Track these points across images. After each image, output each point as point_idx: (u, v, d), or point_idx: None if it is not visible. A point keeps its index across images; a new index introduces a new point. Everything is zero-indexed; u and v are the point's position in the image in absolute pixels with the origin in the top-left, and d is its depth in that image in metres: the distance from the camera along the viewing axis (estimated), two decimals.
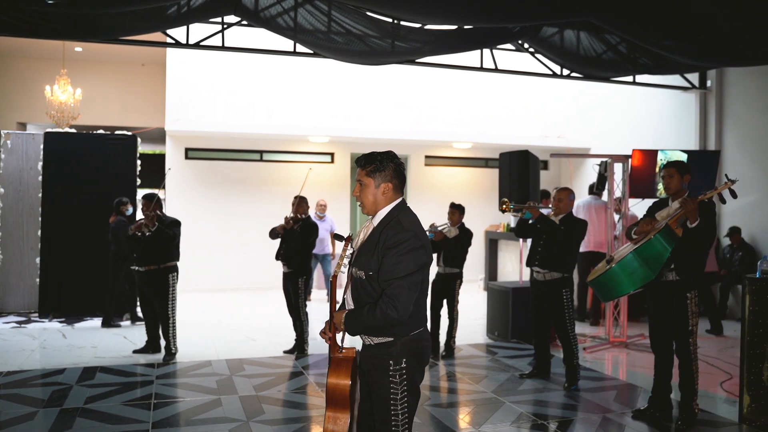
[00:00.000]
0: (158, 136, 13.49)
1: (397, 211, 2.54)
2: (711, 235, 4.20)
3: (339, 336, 2.59)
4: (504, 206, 5.51)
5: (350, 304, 2.57)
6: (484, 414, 4.55)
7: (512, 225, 10.92)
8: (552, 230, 5.21)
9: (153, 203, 6.06)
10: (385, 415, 2.48)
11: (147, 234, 6.02)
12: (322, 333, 2.59)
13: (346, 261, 2.58)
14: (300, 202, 6.38)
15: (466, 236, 6.37)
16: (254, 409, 4.61)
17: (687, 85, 9.42)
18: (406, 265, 2.39)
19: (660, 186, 7.06)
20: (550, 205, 5.54)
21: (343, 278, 2.64)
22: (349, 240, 2.53)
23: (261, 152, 11.38)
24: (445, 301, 6.38)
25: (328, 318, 2.62)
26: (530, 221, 5.36)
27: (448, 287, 6.33)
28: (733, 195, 4.11)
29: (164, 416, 4.44)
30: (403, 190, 2.61)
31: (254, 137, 11.04)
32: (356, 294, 2.51)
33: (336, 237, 2.60)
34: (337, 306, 2.66)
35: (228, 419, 4.37)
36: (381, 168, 2.54)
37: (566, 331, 5.28)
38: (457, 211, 6.40)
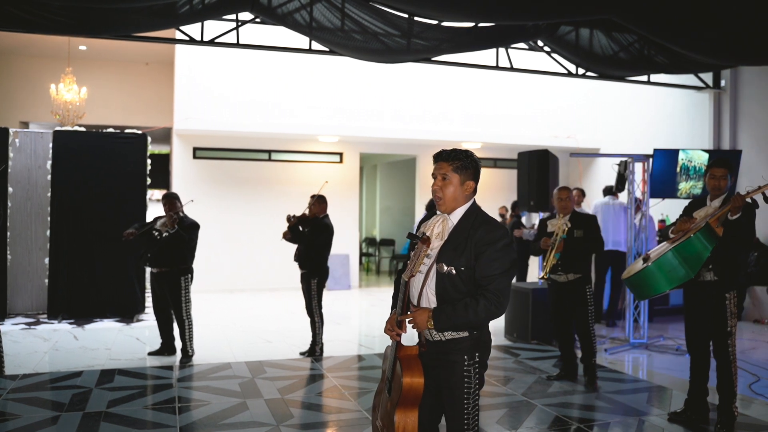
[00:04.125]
0: (160, 136, 13.37)
1: (476, 210, 2.54)
2: (750, 234, 4.13)
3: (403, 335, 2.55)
4: (544, 276, 5.34)
5: (431, 301, 2.49)
6: (519, 417, 4.45)
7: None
8: (575, 243, 5.17)
9: (178, 203, 5.96)
10: (459, 410, 2.48)
11: (165, 235, 5.89)
12: (389, 331, 2.52)
13: (427, 261, 2.47)
14: (314, 203, 6.26)
15: None
16: (282, 412, 4.50)
17: (701, 84, 9.36)
18: (502, 262, 2.41)
19: (681, 186, 7.00)
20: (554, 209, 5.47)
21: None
22: (428, 240, 2.43)
23: (269, 152, 11.26)
24: None
25: (393, 314, 2.57)
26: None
27: None
28: None
29: (191, 420, 4.33)
30: (476, 193, 2.60)
31: (263, 136, 10.93)
32: (442, 290, 2.45)
33: (411, 236, 2.51)
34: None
35: (257, 423, 4.26)
36: (467, 166, 2.52)
37: (587, 328, 5.28)
38: None
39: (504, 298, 2.40)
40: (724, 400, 4.25)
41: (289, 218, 6.11)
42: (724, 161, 4.32)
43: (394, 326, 2.51)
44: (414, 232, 2.64)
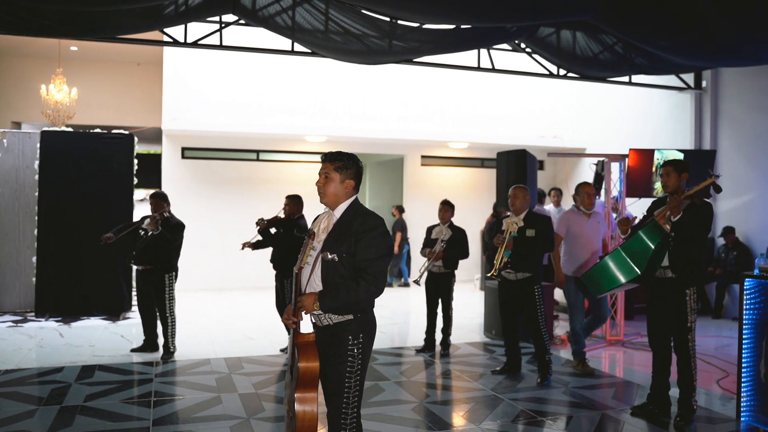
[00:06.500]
0: (152, 136, 13.47)
1: (357, 205, 2.84)
2: (697, 229, 4.20)
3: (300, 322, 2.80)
4: (494, 273, 5.40)
5: (318, 286, 2.74)
6: (484, 411, 4.57)
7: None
8: (526, 242, 5.28)
9: (164, 204, 6.05)
10: (340, 386, 2.71)
11: (150, 234, 6.00)
12: (286, 319, 2.78)
13: (313, 252, 2.77)
14: (290, 203, 6.26)
15: (458, 234, 6.35)
16: (254, 406, 4.61)
17: (682, 85, 9.48)
18: (378, 248, 2.69)
19: (657, 185, 7.11)
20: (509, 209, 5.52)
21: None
22: (313, 235, 2.78)
23: (257, 152, 11.37)
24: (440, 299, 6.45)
25: (289, 305, 2.83)
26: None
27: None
28: (717, 189, 4.18)
29: (165, 413, 4.44)
30: (358, 190, 2.90)
31: (251, 137, 11.04)
32: (327, 275, 2.71)
33: (299, 233, 2.82)
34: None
35: (229, 416, 4.37)
36: (348, 166, 2.82)
37: (538, 327, 5.38)
38: (449, 207, 6.40)
39: (381, 280, 2.68)
40: (684, 394, 4.36)
41: (258, 222, 6.14)
42: (671, 161, 4.46)
43: (290, 315, 2.76)
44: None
